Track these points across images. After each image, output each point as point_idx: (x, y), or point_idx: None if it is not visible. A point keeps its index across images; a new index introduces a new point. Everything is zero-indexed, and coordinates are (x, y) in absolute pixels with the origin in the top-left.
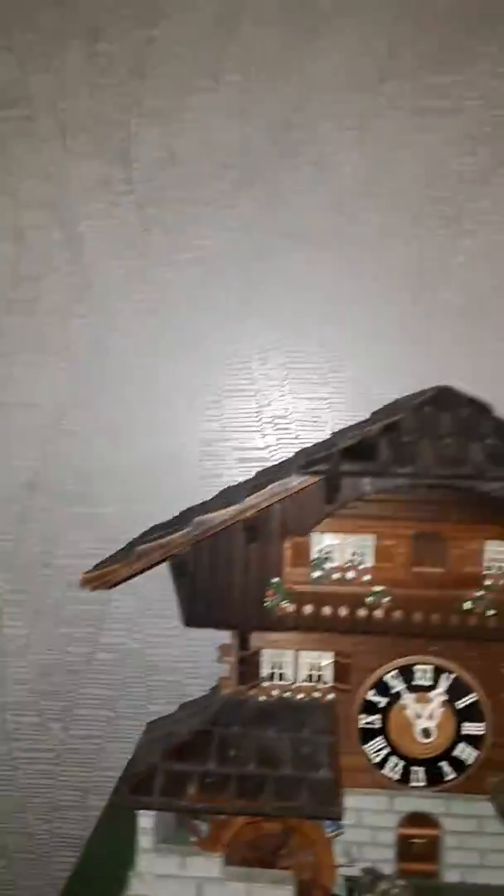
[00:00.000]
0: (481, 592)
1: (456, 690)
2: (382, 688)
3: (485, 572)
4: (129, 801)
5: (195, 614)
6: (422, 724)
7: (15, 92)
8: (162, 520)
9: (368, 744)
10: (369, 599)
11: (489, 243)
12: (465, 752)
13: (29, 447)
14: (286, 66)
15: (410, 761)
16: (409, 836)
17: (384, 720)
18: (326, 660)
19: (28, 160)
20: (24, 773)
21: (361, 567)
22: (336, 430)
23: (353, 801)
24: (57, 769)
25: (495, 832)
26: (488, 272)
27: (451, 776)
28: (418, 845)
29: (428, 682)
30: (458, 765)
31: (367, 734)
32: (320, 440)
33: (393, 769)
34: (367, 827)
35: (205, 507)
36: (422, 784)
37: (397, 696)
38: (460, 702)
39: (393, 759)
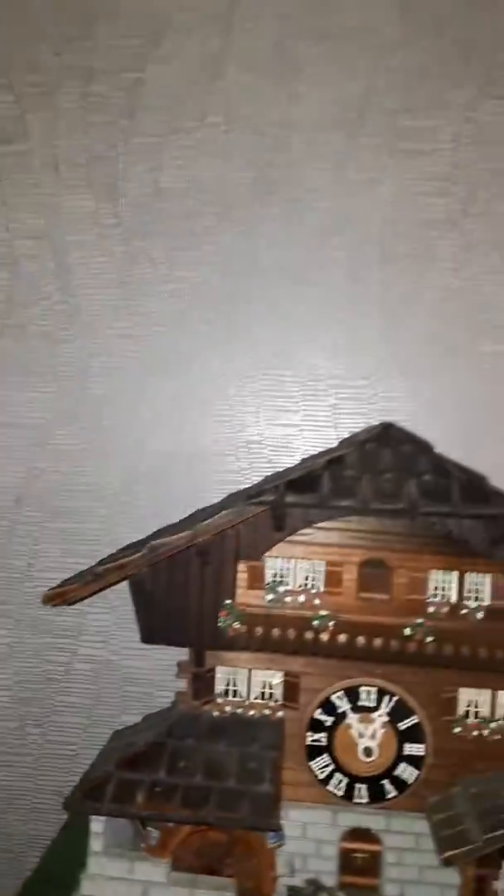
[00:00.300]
0: (421, 620)
1: (399, 712)
2: (329, 707)
3: (428, 600)
4: (81, 805)
5: (152, 631)
6: (364, 743)
7: (13, 128)
8: (139, 537)
9: (314, 760)
10: (316, 623)
11: (459, 281)
12: (406, 771)
13: (16, 464)
14: (267, 109)
15: (354, 778)
16: (352, 850)
17: (330, 738)
18: (277, 679)
19: (23, 193)
20: (6, 774)
21: (313, 591)
22: (305, 457)
23: (299, 815)
24: (36, 773)
25: (433, 849)
26: (457, 309)
27: (393, 794)
28: (360, 859)
29: (372, 704)
30: (399, 783)
31: (314, 751)
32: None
33: (337, 786)
34: (311, 840)
35: (173, 528)
36: (364, 801)
37: (343, 715)
38: (402, 723)
39: (337, 776)
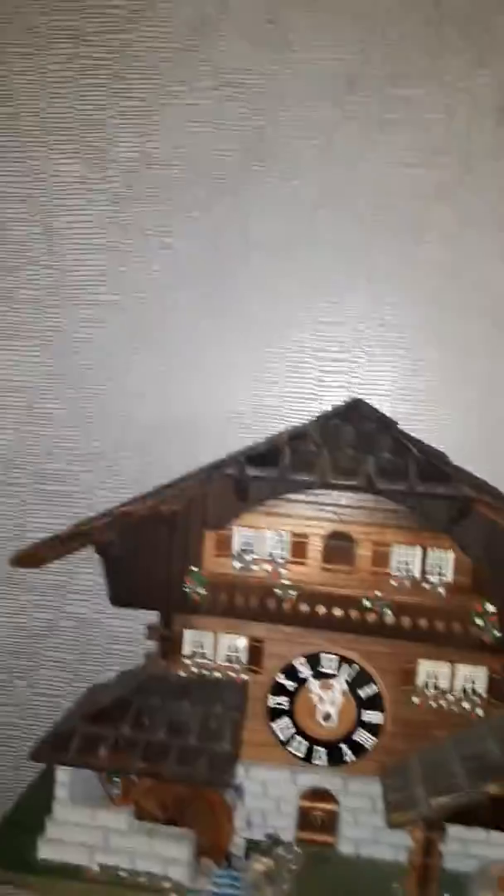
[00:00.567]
0: (379, 593)
1: (359, 680)
2: (291, 673)
3: (391, 574)
4: (47, 756)
5: (120, 594)
6: (324, 708)
7: (0, 90)
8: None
9: (276, 723)
10: (278, 592)
11: (449, 256)
12: (364, 737)
13: (4, 427)
14: (257, 77)
15: (314, 741)
16: (310, 808)
17: (291, 702)
18: (243, 643)
19: (11, 156)
20: None
21: (278, 561)
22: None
23: (260, 774)
24: (22, 723)
25: None
26: (447, 285)
27: (351, 758)
28: (318, 818)
29: (333, 671)
30: (357, 748)
31: (276, 714)
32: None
33: (297, 748)
34: (271, 797)
35: (144, 496)
36: (323, 763)
37: (304, 681)
38: (362, 691)
39: (298, 739)
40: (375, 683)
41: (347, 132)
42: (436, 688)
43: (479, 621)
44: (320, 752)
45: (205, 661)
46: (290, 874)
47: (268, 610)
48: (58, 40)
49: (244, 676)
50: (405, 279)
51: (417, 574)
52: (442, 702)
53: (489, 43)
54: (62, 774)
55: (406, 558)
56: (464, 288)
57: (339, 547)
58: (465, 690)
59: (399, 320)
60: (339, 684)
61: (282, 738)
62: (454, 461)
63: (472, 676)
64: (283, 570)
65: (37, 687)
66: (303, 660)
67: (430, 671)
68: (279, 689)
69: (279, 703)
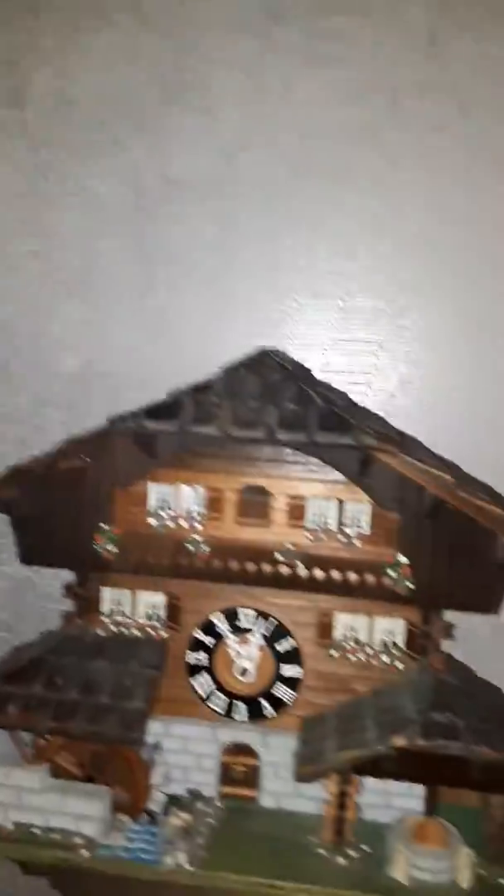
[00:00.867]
0: (292, 546)
1: (277, 635)
2: (209, 628)
3: (307, 526)
4: None
5: (30, 553)
6: (241, 663)
7: None
8: None
9: (196, 679)
10: (190, 547)
11: (375, 198)
12: (282, 691)
13: None
14: (177, 8)
15: (233, 697)
16: (231, 763)
17: (210, 658)
18: (161, 599)
19: None
20: None
21: (194, 516)
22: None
23: (181, 730)
24: None
25: None
26: (375, 227)
27: (270, 713)
28: (239, 772)
29: (250, 626)
30: (276, 703)
31: (195, 670)
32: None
33: (217, 703)
34: (192, 753)
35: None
36: (243, 718)
37: (222, 637)
38: (280, 645)
39: (218, 694)
40: (293, 637)
41: (271, 67)
42: (355, 641)
43: (391, 573)
44: (240, 707)
45: (124, 618)
46: (207, 829)
47: (180, 566)
48: None
49: (163, 633)
50: (332, 224)
51: (334, 527)
52: (361, 655)
53: None
54: None
55: (322, 511)
56: (394, 232)
57: (254, 501)
58: (384, 643)
59: (329, 266)
60: (256, 639)
61: (202, 694)
62: (394, 410)
63: (391, 629)
64: (198, 526)
65: None
66: (220, 615)
67: (348, 624)
68: (197, 645)
69: (198, 660)
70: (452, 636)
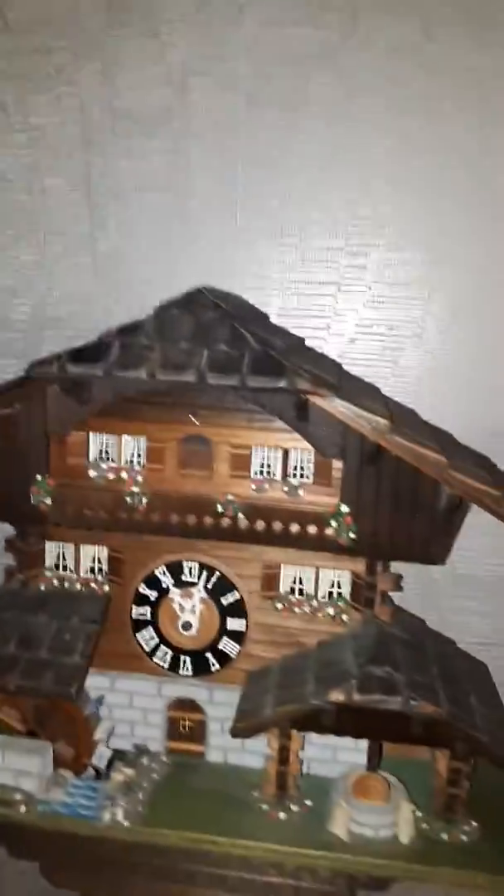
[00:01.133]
0: (232, 497)
1: (221, 588)
2: (153, 582)
3: (251, 477)
4: None
5: None
6: (184, 617)
7: None
8: None
9: (141, 633)
10: (128, 500)
11: (331, 127)
12: (228, 645)
13: None
14: None
15: (179, 651)
16: (177, 718)
17: (154, 612)
18: (105, 553)
19: None
20: None
21: (135, 468)
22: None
23: (126, 685)
24: None
25: None
26: (329, 157)
27: (216, 667)
28: (185, 727)
29: (193, 579)
30: (222, 657)
31: (140, 624)
32: None
33: (162, 658)
34: (138, 709)
35: None
36: (189, 673)
37: (166, 590)
38: (224, 599)
39: (163, 649)
40: (237, 590)
41: None
42: (300, 593)
43: (333, 523)
44: (186, 661)
45: (67, 573)
46: (151, 784)
47: (119, 519)
48: None
49: (105, 588)
50: (288, 156)
51: (279, 476)
52: (307, 608)
53: None
54: None
55: (267, 460)
56: (355, 164)
57: (197, 451)
58: (330, 596)
59: (286, 202)
60: (199, 592)
61: (146, 649)
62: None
63: (337, 581)
64: (139, 477)
65: None
66: (164, 569)
67: (294, 576)
68: (141, 600)
69: (142, 614)
70: (400, 588)
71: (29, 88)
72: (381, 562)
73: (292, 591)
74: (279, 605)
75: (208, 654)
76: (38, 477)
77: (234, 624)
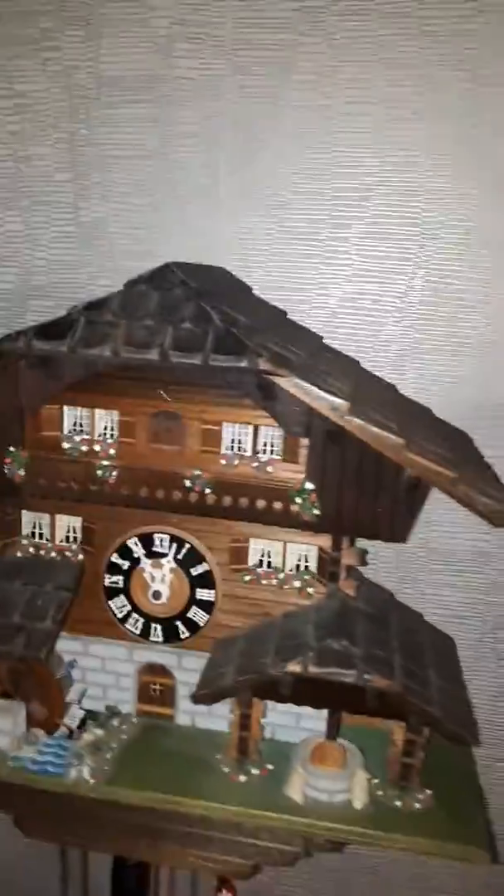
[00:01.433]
0: (199, 472)
1: (191, 559)
2: (125, 552)
3: (221, 452)
4: None
5: None
6: (154, 586)
7: None
8: None
9: (113, 601)
10: (99, 473)
11: (320, 97)
12: (197, 614)
13: None
14: None
15: (150, 619)
16: (148, 682)
17: (126, 581)
18: (80, 523)
19: None
20: None
21: (108, 442)
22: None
23: (99, 650)
24: None
25: None
26: (318, 128)
27: (185, 635)
28: (156, 691)
29: (164, 550)
30: (191, 625)
31: (112, 592)
32: None
33: (134, 625)
34: (110, 672)
35: None
36: (159, 640)
37: (137, 560)
38: (194, 570)
39: (134, 616)
40: (206, 562)
41: None
42: (269, 566)
43: (297, 500)
44: (157, 628)
45: (43, 541)
46: (119, 744)
47: (90, 491)
48: None
49: (79, 557)
50: (274, 123)
51: (249, 452)
52: (274, 580)
53: None
54: None
55: (238, 437)
56: (335, 130)
57: (168, 426)
58: (297, 569)
59: (272, 172)
60: (169, 563)
61: (119, 616)
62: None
63: (305, 555)
64: (111, 451)
65: None
66: (136, 539)
67: (263, 550)
68: (114, 569)
69: (114, 582)
70: (366, 562)
71: (14, 53)
72: (344, 537)
73: (260, 563)
74: (247, 578)
75: (178, 623)
76: (12, 448)
77: (203, 594)
